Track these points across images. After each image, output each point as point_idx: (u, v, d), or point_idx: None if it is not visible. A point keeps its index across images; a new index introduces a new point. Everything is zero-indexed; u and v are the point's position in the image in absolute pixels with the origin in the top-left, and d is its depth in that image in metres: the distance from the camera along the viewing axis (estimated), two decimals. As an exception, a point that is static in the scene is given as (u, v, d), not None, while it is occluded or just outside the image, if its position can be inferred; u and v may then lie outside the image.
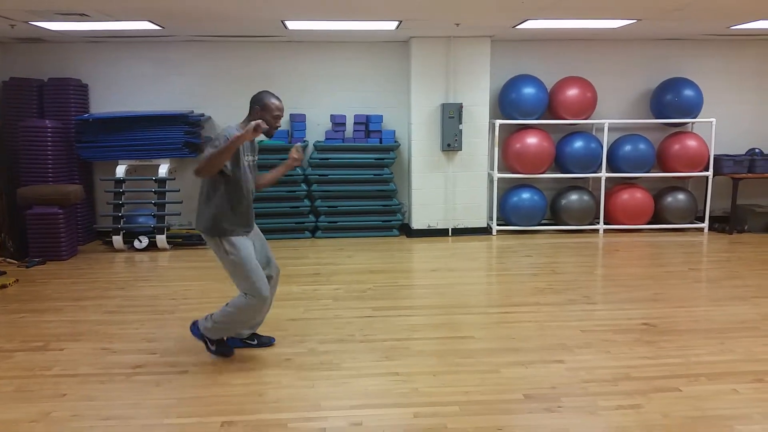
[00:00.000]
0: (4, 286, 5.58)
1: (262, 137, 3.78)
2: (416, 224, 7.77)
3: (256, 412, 3.22)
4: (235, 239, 3.63)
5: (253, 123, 3.41)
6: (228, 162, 3.48)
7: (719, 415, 3.15)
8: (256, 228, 3.90)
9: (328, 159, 7.50)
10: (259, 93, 3.71)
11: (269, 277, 3.86)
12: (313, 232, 7.67)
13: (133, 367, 3.80)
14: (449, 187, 7.72)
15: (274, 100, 3.67)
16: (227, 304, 3.73)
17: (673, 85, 7.78)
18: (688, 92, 7.70)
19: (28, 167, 6.84)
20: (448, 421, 3.11)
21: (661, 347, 4.07)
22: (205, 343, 3.91)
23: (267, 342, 4.12)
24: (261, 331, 4.17)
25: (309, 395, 3.41)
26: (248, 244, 3.69)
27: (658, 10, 5.76)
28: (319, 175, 7.53)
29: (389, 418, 3.15)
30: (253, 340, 4.08)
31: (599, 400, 3.32)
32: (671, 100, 7.73)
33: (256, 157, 3.86)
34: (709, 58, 8.09)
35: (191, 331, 3.92)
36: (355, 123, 7.59)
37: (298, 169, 7.39)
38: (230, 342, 3.99)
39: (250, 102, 3.68)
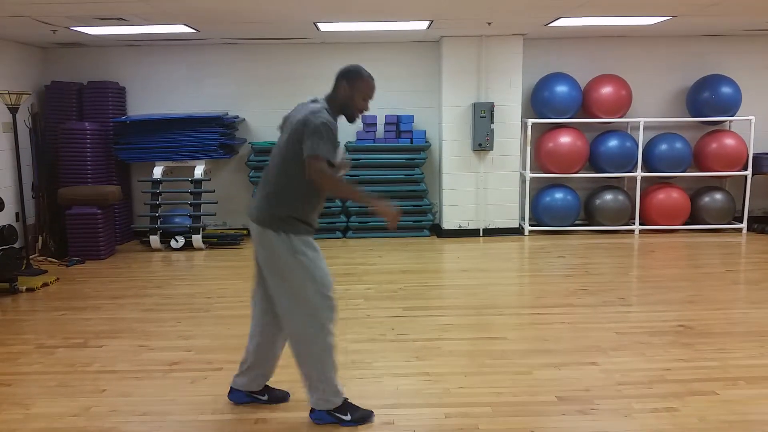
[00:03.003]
0: (45, 285, 5.75)
1: (342, 122, 3.04)
2: (447, 224, 7.76)
3: (288, 410, 3.26)
4: (310, 239, 3.02)
5: (393, 210, 2.93)
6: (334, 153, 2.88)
7: (759, 420, 3.08)
8: None
9: (359, 159, 7.54)
10: (350, 66, 3.01)
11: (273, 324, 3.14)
12: (344, 232, 7.71)
13: (169, 364, 3.88)
14: (480, 187, 7.69)
15: (367, 77, 2.97)
16: (300, 364, 3.03)
17: (711, 82, 7.62)
18: (726, 89, 7.53)
19: (68, 168, 7.03)
20: (480, 422, 3.10)
21: (697, 350, 4.00)
22: (339, 421, 3.06)
23: (281, 397, 3.33)
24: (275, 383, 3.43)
25: (341, 394, 3.43)
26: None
27: (695, 5, 5.65)
28: (351, 176, 7.57)
29: (421, 418, 3.16)
30: (263, 395, 3.31)
31: (634, 403, 3.27)
32: (708, 98, 7.57)
33: None
34: (747, 54, 7.90)
35: (315, 420, 3.10)
36: (386, 123, 7.61)
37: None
38: (235, 396, 3.32)
39: (338, 76, 2.99)
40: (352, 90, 2.96)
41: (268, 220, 2.96)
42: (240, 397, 3.30)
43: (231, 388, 3.33)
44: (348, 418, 3.05)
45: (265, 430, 3.06)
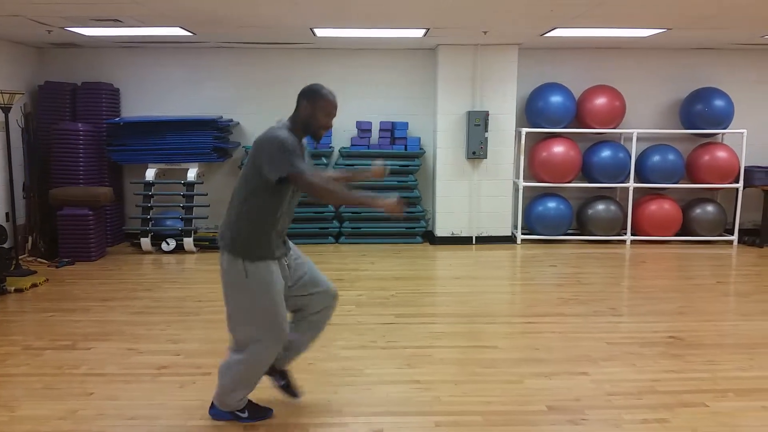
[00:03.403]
0: (34, 285, 5.70)
1: (308, 141, 3.12)
2: (440, 232, 7.76)
3: (278, 416, 3.23)
4: (265, 266, 2.96)
5: (394, 201, 2.88)
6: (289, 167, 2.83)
7: (747, 433, 3.09)
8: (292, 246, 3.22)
9: (353, 165, 7.53)
10: (310, 85, 3.00)
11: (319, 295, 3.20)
12: (337, 237, 7.70)
13: (158, 368, 3.85)
14: (474, 195, 7.70)
15: (327, 95, 2.97)
16: (235, 364, 3.05)
17: (704, 95, 7.67)
18: (719, 102, 7.59)
19: (60, 169, 6.99)
20: (470, 431, 3.09)
21: (687, 361, 4.00)
22: (237, 419, 3.16)
23: (294, 393, 3.39)
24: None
25: (331, 401, 3.42)
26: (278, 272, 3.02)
27: (691, 18, 5.69)
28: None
29: (410, 426, 3.14)
30: (283, 379, 3.38)
31: (624, 414, 3.27)
32: (701, 111, 7.62)
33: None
34: (740, 68, 7.97)
35: (213, 416, 3.19)
36: (380, 130, 7.62)
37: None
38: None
39: (299, 95, 3.00)
40: (313, 108, 2.96)
41: (228, 242, 2.97)
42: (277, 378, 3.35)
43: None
44: (246, 415, 3.16)
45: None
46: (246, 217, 2.93)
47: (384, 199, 2.89)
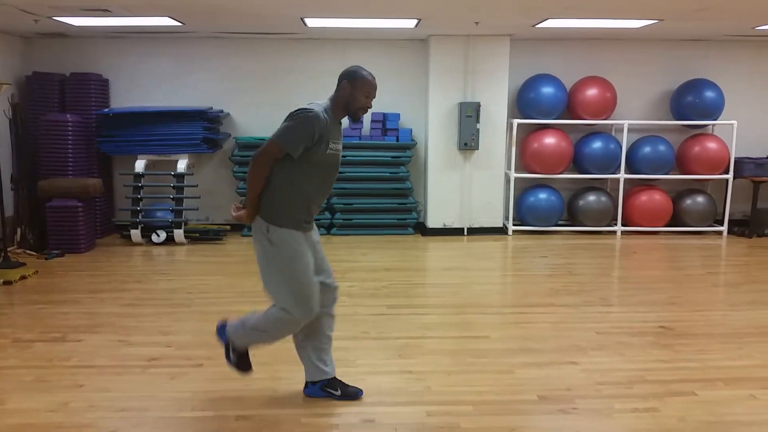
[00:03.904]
0: (23, 278, 5.66)
1: (345, 121, 3.19)
2: (432, 223, 7.76)
3: (270, 407, 3.24)
4: (289, 231, 2.99)
5: (237, 212, 3.07)
6: (304, 146, 2.93)
7: (736, 421, 3.11)
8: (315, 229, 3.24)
9: (344, 156, 7.49)
10: (351, 67, 3.11)
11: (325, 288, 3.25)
12: (329, 229, 7.69)
13: (148, 360, 3.84)
14: (465, 186, 7.70)
15: (366, 76, 3.06)
16: (265, 312, 3.11)
17: (694, 86, 7.69)
18: (710, 94, 7.61)
19: (48, 160, 6.92)
20: (461, 420, 3.10)
21: (677, 351, 4.03)
22: (226, 350, 3.28)
23: (354, 394, 3.32)
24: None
25: (322, 391, 3.42)
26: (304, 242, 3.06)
27: (683, 10, 5.69)
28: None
29: (402, 416, 3.15)
30: (336, 390, 3.31)
31: (614, 403, 3.29)
32: (692, 102, 7.65)
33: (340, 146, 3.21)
34: (731, 60, 7.99)
35: (217, 331, 3.30)
36: (372, 121, 7.60)
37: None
38: (310, 390, 3.34)
39: (339, 76, 3.08)
40: (353, 89, 3.04)
41: (262, 209, 3.03)
42: (316, 391, 3.33)
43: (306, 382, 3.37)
44: (233, 358, 3.26)
45: (245, 428, 3.04)
46: (273, 185, 2.99)
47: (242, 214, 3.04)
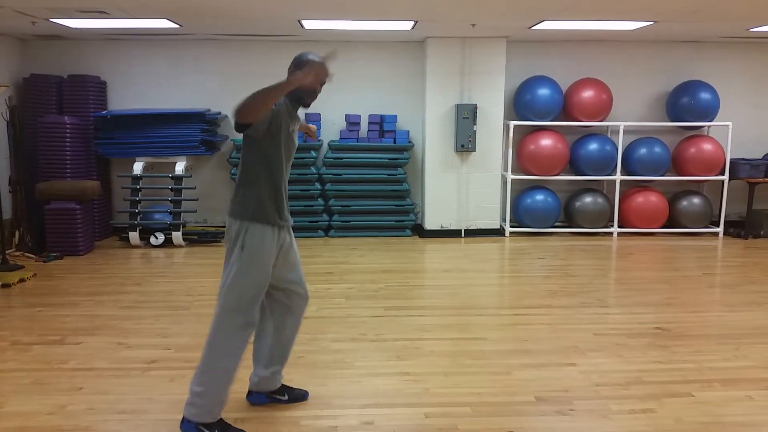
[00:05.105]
0: (22, 280, 5.66)
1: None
2: (429, 225, 7.78)
3: (268, 409, 3.25)
4: (263, 229, 2.90)
5: (319, 60, 2.77)
6: (267, 124, 2.80)
7: (733, 422, 3.14)
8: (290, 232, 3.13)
9: (342, 158, 7.53)
10: (301, 53, 2.96)
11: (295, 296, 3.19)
12: (327, 231, 7.70)
13: (147, 362, 3.85)
14: (462, 188, 7.72)
15: (312, 58, 2.86)
16: (206, 346, 2.93)
17: (690, 87, 7.73)
18: (705, 95, 7.65)
19: (46, 163, 6.92)
20: (459, 422, 3.12)
21: (674, 352, 4.06)
22: None
23: (301, 396, 3.34)
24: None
25: (321, 393, 3.43)
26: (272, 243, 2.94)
27: (677, 11, 5.72)
28: (333, 175, 7.56)
29: (400, 418, 3.16)
30: (283, 395, 3.30)
31: (611, 404, 3.31)
32: (687, 103, 7.68)
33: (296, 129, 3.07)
34: (726, 61, 8.03)
35: (182, 428, 2.95)
36: (369, 123, 7.62)
37: (312, 168, 7.44)
38: (255, 398, 3.29)
39: (290, 66, 2.95)
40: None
41: (231, 206, 2.98)
42: (261, 398, 3.29)
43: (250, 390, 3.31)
44: None
45: (244, 429, 3.05)
46: (241, 180, 2.94)
47: (297, 75, 2.70)
